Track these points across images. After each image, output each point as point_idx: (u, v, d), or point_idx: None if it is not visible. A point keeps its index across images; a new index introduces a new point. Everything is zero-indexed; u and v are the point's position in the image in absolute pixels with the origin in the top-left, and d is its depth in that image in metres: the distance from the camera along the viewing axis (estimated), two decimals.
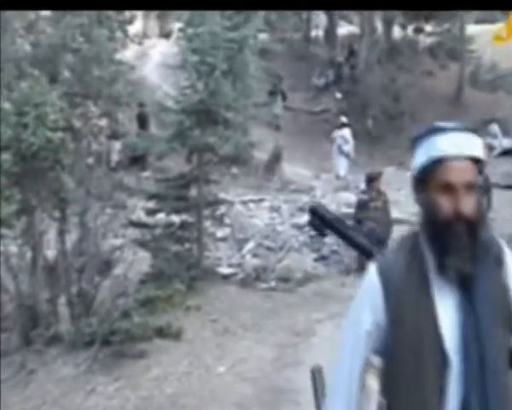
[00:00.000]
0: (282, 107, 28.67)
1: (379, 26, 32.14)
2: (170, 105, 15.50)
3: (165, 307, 12.62)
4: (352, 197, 17.86)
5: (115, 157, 22.40)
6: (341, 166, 23.04)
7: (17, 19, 17.74)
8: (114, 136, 21.16)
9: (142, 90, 22.38)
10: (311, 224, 4.02)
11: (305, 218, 18.87)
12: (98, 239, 12.81)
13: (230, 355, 10.80)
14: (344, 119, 24.60)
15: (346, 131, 24.04)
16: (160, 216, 16.37)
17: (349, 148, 23.73)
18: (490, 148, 25.31)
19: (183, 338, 11.53)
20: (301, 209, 19.74)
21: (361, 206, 14.64)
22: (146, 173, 21.96)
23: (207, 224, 15.92)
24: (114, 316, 11.57)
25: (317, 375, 3.70)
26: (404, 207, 16.82)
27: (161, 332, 11.35)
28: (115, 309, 11.90)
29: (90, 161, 13.24)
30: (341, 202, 19.06)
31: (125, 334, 10.93)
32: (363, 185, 15.58)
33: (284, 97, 28.85)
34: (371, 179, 14.85)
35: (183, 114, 14.92)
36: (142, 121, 23.33)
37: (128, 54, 25.29)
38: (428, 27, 31.76)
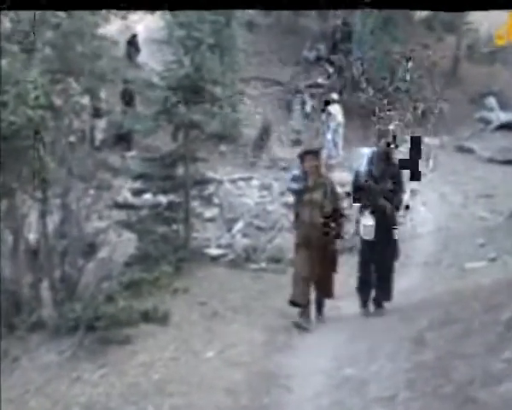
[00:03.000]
0: (304, 123, 27.61)
1: None
2: (155, 81, 15.26)
3: (151, 289, 12.47)
4: (347, 177, 17.25)
5: (99, 136, 22.03)
6: (326, 143, 22.65)
7: None
8: (98, 114, 20.84)
9: (126, 67, 22.06)
10: None
11: None
12: (81, 221, 12.60)
13: (219, 340, 10.57)
14: (334, 95, 24.20)
15: (334, 108, 23.69)
16: (147, 197, 16.25)
17: (333, 125, 23.37)
18: (487, 122, 25.12)
19: (170, 322, 11.31)
20: None
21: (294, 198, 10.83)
22: (131, 153, 21.63)
23: (195, 204, 15.84)
24: (99, 300, 11.43)
25: None
26: None
27: (147, 316, 11.13)
28: (100, 293, 11.80)
29: (73, 139, 12.95)
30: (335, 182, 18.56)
31: (110, 319, 10.71)
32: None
33: (307, 115, 27.70)
34: (304, 159, 10.64)
35: (169, 90, 14.69)
36: (128, 98, 22.99)
37: (112, 28, 24.83)
38: None
